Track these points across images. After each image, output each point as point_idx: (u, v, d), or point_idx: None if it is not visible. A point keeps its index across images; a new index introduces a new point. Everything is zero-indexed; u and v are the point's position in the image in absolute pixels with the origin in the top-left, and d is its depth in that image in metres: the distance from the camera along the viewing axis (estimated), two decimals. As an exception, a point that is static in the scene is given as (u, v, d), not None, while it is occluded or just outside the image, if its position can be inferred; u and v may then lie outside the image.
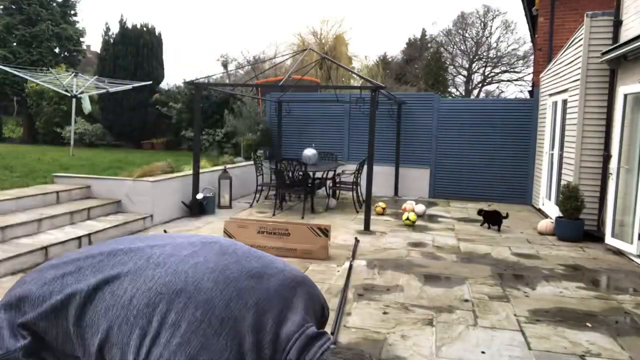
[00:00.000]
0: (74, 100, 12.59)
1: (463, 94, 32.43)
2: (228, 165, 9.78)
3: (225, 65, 26.93)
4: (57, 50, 21.38)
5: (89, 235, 5.81)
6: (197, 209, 7.91)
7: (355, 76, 23.07)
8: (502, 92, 33.30)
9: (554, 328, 3.74)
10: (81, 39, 22.28)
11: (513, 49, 31.86)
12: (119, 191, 7.11)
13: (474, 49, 32.58)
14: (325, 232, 5.47)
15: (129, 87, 14.53)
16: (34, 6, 19.79)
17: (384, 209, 8.57)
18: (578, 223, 6.78)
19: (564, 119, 8.01)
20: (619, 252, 6.18)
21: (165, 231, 6.60)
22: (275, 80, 16.64)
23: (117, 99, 16.51)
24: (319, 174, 9.50)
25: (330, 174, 9.69)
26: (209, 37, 49.39)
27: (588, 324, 3.83)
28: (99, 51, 17.73)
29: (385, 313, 3.96)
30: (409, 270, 5.22)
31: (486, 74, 32.98)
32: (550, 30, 10.54)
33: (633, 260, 5.78)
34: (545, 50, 10.58)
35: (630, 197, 5.99)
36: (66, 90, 12.70)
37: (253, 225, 5.71)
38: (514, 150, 10.30)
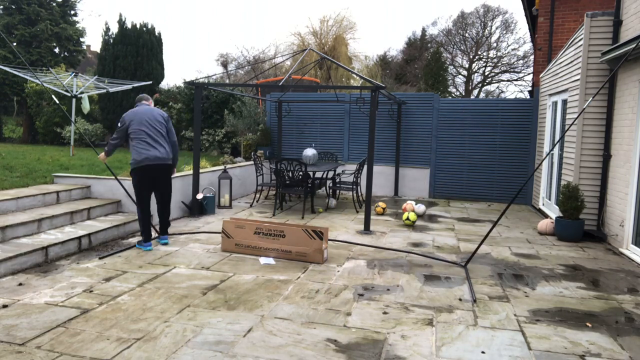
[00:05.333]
0: (73, 100, 12.59)
1: (463, 94, 32.44)
2: (228, 165, 9.78)
3: (225, 65, 26.95)
4: (56, 50, 21.36)
5: (89, 235, 5.81)
6: (197, 209, 7.91)
7: (355, 76, 23.09)
8: (502, 92, 33.33)
9: (554, 328, 3.74)
10: (81, 39, 22.26)
11: (513, 49, 31.93)
12: (119, 191, 7.10)
13: (474, 49, 32.59)
14: (320, 234, 5.39)
15: (129, 87, 14.53)
16: (34, 6, 19.77)
17: (384, 209, 8.57)
18: (578, 223, 6.78)
19: (564, 119, 8.01)
20: (619, 252, 6.19)
21: (157, 232, 6.58)
22: (275, 80, 16.67)
23: (117, 99, 16.52)
24: (319, 174, 9.50)
25: (330, 174, 9.69)
26: (209, 37, 49.43)
27: (588, 324, 3.83)
28: (98, 51, 17.72)
29: (385, 313, 3.96)
30: (409, 270, 5.22)
31: (486, 74, 33.01)
32: (550, 30, 10.55)
33: (633, 261, 5.79)
34: (545, 50, 10.59)
35: None
36: (66, 91, 12.70)
37: (250, 226, 5.70)
38: (514, 150, 10.31)
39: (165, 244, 6.02)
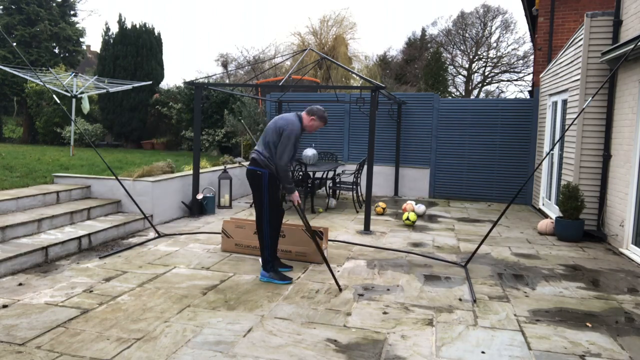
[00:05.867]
0: (73, 100, 12.59)
1: (463, 94, 32.43)
2: (228, 165, 9.78)
3: (225, 65, 26.96)
4: (56, 50, 21.36)
5: (89, 235, 5.80)
6: (197, 209, 7.91)
7: (355, 76, 23.10)
8: (502, 92, 33.34)
9: (554, 328, 3.74)
10: (81, 39, 22.26)
11: (513, 49, 31.94)
12: (118, 191, 7.10)
13: (474, 49, 32.59)
14: (320, 234, 5.39)
15: (129, 87, 14.53)
16: (33, 6, 19.77)
17: (384, 209, 8.57)
18: (578, 223, 6.78)
19: (564, 119, 8.01)
20: (619, 252, 6.19)
21: (156, 232, 6.59)
22: (275, 80, 16.67)
23: (117, 99, 16.52)
24: (319, 174, 9.50)
25: (330, 174, 9.68)
26: (209, 37, 49.44)
27: (588, 324, 3.83)
28: (98, 51, 17.73)
29: (385, 313, 3.96)
30: (409, 270, 5.22)
31: (486, 74, 33.01)
32: (550, 30, 10.55)
33: (633, 261, 5.79)
34: (545, 50, 10.60)
35: None
36: (66, 91, 12.70)
37: (250, 226, 5.70)
38: (514, 150, 10.31)
39: (262, 281, 4.73)
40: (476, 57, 32.65)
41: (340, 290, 4.43)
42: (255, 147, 4.77)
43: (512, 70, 32.25)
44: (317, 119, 4.85)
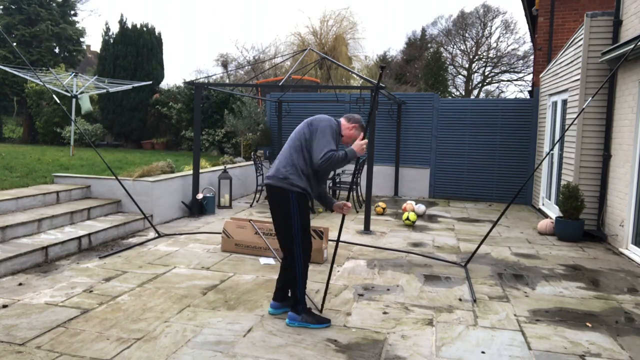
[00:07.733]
0: (73, 100, 12.59)
1: (463, 94, 32.42)
2: (228, 165, 9.78)
3: (225, 65, 26.96)
4: (56, 50, 21.36)
5: (89, 235, 5.80)
6: (197, 209, 7.91)
7: (355, 76, 23.09)
8: (502, 92, 33.33)
9: (554, 328, 3.74)
10: (81, 39, 22.26)
11: (513, 49, 31.92)
12: (118, 191, 7.10)
13: (474, 49, 32.59)
14: (320, 234, 5.40)
15: (129, 87, 14.52)
16: (34, 6, 19.77)
17: (384, 209, 8.57)
18: (578, 223, 6.78)
19: (564, 119, 8.01)
20: (619, 252, 6.19)
21: (156, 232, 6.59)
22: (275, 80, 16.67)
23: (117, 99, 16.51)
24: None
25: (330, 174, 9.68)
26: (209, 37, 49.43)
27: (588, 324, 3.83)
28: (99, 51, 17.72)
29: (385, 313, 3.96)
30: (409, 270, 5.22)
31: (486, 74, 33.00)
32: (550, 30, 10.56)
33: (633, 261, 5.78)
34: (545, 50, 10.60)
35: None
36: (66, 91, 12.69)
37: (251, 226, 5.71)
38: (514, 150, 10.31)
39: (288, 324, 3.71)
40: (476, 57, 32.65)
41: (321, 312, 3.88)
42: (270, 169, 3.85)
43: (512, 70, 32.25)
44: (359, 128, 3.91)
